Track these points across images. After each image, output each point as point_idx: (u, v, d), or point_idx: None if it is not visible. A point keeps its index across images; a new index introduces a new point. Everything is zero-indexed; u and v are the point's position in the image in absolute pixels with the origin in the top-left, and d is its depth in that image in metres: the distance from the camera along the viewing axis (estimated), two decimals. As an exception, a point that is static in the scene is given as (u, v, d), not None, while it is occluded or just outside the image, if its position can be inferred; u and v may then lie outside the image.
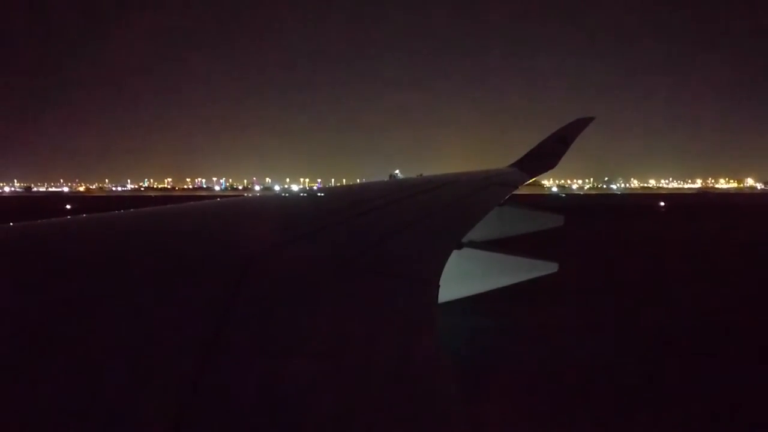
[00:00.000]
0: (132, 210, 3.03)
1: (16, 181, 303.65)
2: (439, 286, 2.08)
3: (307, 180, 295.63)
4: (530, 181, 7.69)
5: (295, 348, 1.45)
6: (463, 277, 3.96)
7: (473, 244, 4.06)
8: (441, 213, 4.07)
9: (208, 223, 2.86)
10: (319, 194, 5.07)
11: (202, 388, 1.14)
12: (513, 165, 8.61)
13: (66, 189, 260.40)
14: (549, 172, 8.43)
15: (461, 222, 3.78)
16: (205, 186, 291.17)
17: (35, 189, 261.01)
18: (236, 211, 3.42)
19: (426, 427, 1.21)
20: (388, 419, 1.20)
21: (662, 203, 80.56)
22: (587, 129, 9.50)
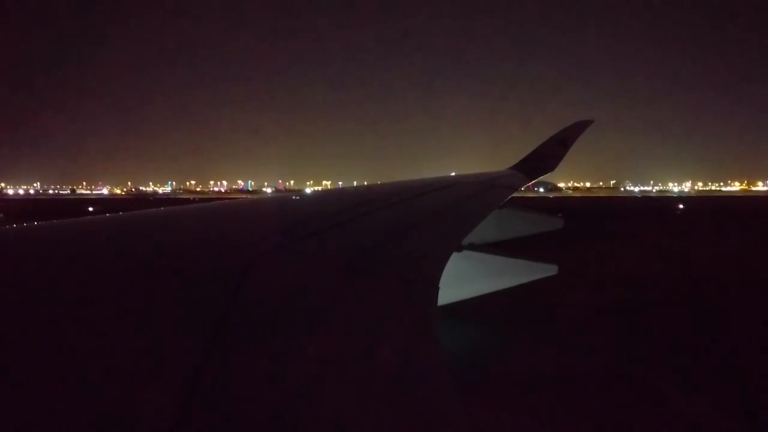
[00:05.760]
0: (133, 212, 3.05)
1: (38, 183, 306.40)
2: (438, 289, 2.08)
3: (329, 183, 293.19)
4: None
5: (295, 351, 1.45)
6: (462, 279, 3.97)
7: (473, 247, 4.08)
8: (441, 215, 4.06)
9: (209, 224, 2.86)
10: (321, 196, 5.09)
11: (201, 391, 1.15)
12: (513, 167, 8.61)
13: (105, 191, 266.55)
14: (550, 174, 8.39)
15: (461, 224, 3.79)
16: (249, 189, 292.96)
17: (78, 191, 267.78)
18: (238, 212, 3.44)
19: (427, 429, 1.22)
20: (389, 421, 1.22)
21: None
22: (587, 132, 9.42)
